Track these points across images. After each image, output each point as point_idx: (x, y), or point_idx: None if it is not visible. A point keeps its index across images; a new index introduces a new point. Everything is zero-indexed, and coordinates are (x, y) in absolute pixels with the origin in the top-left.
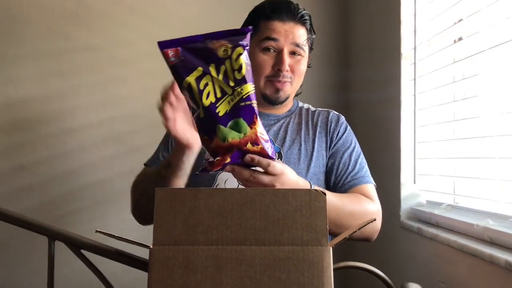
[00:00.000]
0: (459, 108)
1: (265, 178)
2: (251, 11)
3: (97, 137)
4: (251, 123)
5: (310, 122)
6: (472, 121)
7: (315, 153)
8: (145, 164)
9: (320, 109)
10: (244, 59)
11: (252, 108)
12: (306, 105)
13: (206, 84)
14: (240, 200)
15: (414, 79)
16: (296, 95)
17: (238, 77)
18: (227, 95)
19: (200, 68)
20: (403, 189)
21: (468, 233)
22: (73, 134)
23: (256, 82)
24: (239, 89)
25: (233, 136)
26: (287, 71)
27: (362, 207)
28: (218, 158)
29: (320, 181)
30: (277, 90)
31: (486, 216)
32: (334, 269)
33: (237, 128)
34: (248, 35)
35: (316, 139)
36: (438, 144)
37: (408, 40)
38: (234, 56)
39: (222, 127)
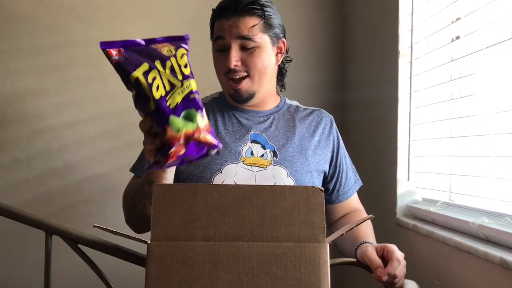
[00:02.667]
0: (456, 106)
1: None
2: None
3: (94, 131)
4: (201, 114)
5: (302, 121)
6: (468, 119)
7: (309, 152)
8: (131, 170)
9: (310, 107)
10: (188, 59)
11: (199, 101)
12: (294, 102)
13: (154, 78)
14: (238, 197)
15: (410, 77)
16: (282, 87)
17: (186, 72)
18: (176, 88)
19: (146, 64)
20: (400, 187)
21: (463, 230)
22: (70, 128)
23: (220, 81)
24: (187, 83)
25: (186, 127)
26: (236, 66)
27: (369, 225)
28: (173, 149)
29: (314, 178)
30: (235, 90)
31: (482, 214)
32: (331, 265)
33: (189, 118)
34: (187, 42)
35: (311, 138)
36: (435, 142)
37: (406, 38)
38: (178, 54)
39: (175, 117)
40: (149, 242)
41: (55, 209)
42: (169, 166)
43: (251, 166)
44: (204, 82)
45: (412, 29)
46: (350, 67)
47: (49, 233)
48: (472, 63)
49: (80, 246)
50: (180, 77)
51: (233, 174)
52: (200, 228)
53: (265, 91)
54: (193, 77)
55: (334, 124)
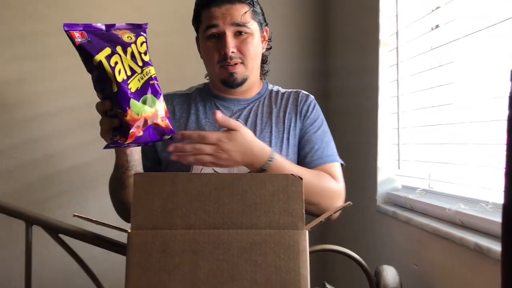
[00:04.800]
0: (435, 94)
1: (206, 148)
2: (195, 2)
3: (74, 122)
4: (159, 100)
5: (279, 104)
6: (447, 107)
7: (285, 135)
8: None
9: (289, 90)
10: (147, 47)
11: (158, 87)
12: (276, 87)
13: (116, 63)
14: (218, 185)
15: (397, 65)
16: (264, 74)
17: (146, 59)
18: (136, 74)
19: (108, 48)
20: (380, 174)
21: (440, 217)
22: (49, 118)
23: (210, 70)
24: (147, 69)
25: (145, 110)
26: (233, 52)
27: (324, 184)
28: (132, 130)
29: (293, 161)
30: (231, 74)
31: (458, 200)
32: (310, 252)
33: (148, 103)
34: (146, 30)
35: (286, 120)
36: (415, 130)
37: (386, 27)
38: (138, 42)
39: (135, 101)
40: (129, 231)
41: (36, 199)
42: (127, 146)
43: None
44: (184, 72)
45: (397, 15)
46: (332, 55)
47: (29, 223)
48: (451, 51)
49: (61, 236)
50: (140, 63)
51: None
52: (180, 217)
53: (254, 77)
54: (152, 65)
55: (310, 100)
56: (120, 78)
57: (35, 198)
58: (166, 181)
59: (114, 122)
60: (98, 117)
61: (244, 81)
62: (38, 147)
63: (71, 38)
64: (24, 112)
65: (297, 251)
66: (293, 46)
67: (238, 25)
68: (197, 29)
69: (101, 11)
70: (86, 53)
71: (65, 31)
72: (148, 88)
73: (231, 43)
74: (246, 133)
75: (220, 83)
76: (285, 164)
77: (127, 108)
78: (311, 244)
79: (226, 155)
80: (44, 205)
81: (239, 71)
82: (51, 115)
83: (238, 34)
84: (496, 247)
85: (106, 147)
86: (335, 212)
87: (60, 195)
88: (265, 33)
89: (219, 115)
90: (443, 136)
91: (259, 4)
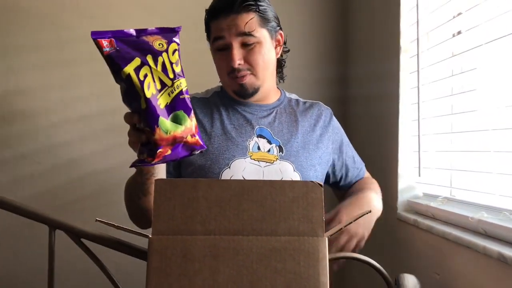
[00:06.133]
0: (457, 101)
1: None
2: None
3: (98, 127)
4: (190, 116)
5: (304, 115)
6: (469, 114)
7: (311, 146)
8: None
9: (309, 101)
10: (179, 55)
11: (189, 101)
12: (293, 96)
13: (146, 75)
14: (238, 191)
15: (418, 71)
16: (281, 78)
17: (177, 70)
18: (166, 87)
19: (137, 59)
20: (401, 182)
21: (463, 225)
22: (74, 124)
23: (222, 81)
24: (177, 82)
25: (175, 129)
26: (240, 64)
27: (379, 194)
28: (160, 150)
29: (318, 172)
30: (241, 85)
31: (481, 208)
32: (330, 259)
33: (178, 120)
34: (178, 34)
35: (313, 132)
36: (436, 137)
37: (407, 33)
38: (170, 50)
39: (164, 119)
40: (150, 236)
41: (59, 204)
42: (155, 164)
43: (258, 161)
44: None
45: (418, 22)
46: (352, 62)
47: (53, 228)
48: (473, 58)
49: (83, 240)
50: (171, 75)
51: (242, 169)
52: (200, 223)
53: (268, 85)
54: (184, 76)
55: (333, 116)
56: (149, 93)
57: (58, 203)
58: (187, 187)
59: (142, 138)
60: (121, 123)
61: (255, 91)
62: (62, 152)
63: (99, 47)
64: (49, 117)
65: (317, 258)
66: (313, 52)
67: (244, 34)
68: (208, 40)
69: (127, 20)
70: (114, 64)
71: (93, 39)
72: (179, 103)
73: (237, 55)
74: (348, 213)
75: (233, 93)
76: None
77: (156, 126)
78: (330, 251)
79: (362, 239)
80: (67, 209)
81: (249, 82)
82: (75, 120)
83: (245, 43)
84: None
85: (132, 166)
86: (356, 219)
87: (83, 200)
88: (279, 37)
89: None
90: (465, 144)
91: (270, 8)
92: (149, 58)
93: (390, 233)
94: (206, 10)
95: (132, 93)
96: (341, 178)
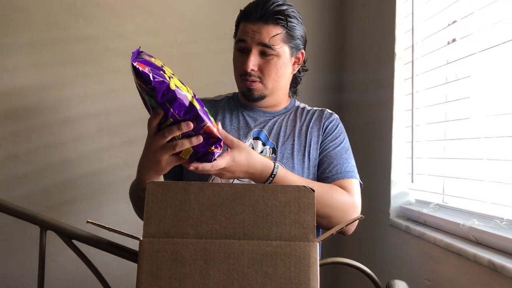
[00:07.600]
0: (451, 109)
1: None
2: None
3: (92, 128)
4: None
5: (304, 119)
6: (462, 122)
7: (306, 148)
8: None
9: (315, 108)
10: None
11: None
12: (302, 105)
13: (176, 86)
14: (230, 195)
15: (412, 78)
16: (294, 93)
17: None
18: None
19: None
20: (393, 188)
21: (454, 232)
22: (68, 125)
23: (235, 79)
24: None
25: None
26: (252, 70)
27: (335, 196)
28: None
29: (311, 175)
30: (248, 89)
31: (473, 216)
32: (321, 265)
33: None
34: (135, 55)
35: (308, 134)
36: (429, 144)
37: (402, 41)
38: (166, 67)
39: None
40: (141, 238)
41: (51, 204)
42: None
43: None
44: (198, 80)
45: (413, 29)
46: (347, 68)
47: (44, 228)
48: (467, 66)
49: (74, 242)
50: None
51: None
52: (192, 226)
53: (276, 96)
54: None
55: (334, 117)
56: (189, 96)
57: (50, 204)
58: (179, 190)
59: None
60: (115, 123)
61: (261, 97)
62: (55, 153)
63: (144, 77)
64: (43, 117)
65: (308, 264)
66: (308, 59)
67: (265, 45)
68: (234, 37)
69: (123, 21)
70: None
71: (135, 68)
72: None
73: (253, 61)
74: (246, 151)
75: (241, 94)
76: (290, 177)
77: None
78: (323, 257)
79: (230, 174)
80: (59, 210)
81: (257, 88)
82: (69, 121)
83: (264, 53)
84: (510, 264)
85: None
86: (347, 225)
87: (75, 201)
88: (300, 56)
89: (221, 130)
90: (458, 151)
91: (299, 26)
92: (166, 69)
93: (382, 239)
94: (241, 10)
95: (180, 103)
96: (322, 171)
